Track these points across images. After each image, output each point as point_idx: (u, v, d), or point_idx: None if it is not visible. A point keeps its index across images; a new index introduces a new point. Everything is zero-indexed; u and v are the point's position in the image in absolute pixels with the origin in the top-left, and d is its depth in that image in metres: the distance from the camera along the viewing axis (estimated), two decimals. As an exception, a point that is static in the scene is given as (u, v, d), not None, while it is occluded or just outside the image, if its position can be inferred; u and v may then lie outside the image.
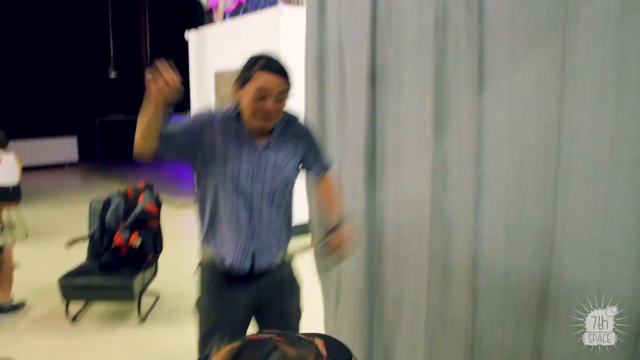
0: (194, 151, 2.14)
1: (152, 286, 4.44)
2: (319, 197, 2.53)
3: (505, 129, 2.28)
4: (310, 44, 3.11)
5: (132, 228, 4.15)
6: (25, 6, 12.10)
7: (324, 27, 3.06)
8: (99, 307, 4.39)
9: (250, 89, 2.06)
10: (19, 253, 4.55)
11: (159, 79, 1.91)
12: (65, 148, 12.83)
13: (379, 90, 2.78)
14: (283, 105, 2.11)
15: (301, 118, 2.39)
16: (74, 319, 4.13)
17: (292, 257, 2.39)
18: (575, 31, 1.97)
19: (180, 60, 8.26)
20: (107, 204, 4.34)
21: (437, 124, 2.52)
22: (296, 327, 2.41)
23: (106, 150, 13.14)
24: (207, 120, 2.16)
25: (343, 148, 3.05)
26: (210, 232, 2.26)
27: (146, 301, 4.35)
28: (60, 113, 12.84)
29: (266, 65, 2.08)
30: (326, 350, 1.02)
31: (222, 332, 2.27)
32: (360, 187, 2.90)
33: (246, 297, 2.27)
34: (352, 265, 3.01)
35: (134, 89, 14.39)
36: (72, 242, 4.24)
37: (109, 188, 9.71)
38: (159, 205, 4.40)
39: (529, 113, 2.19)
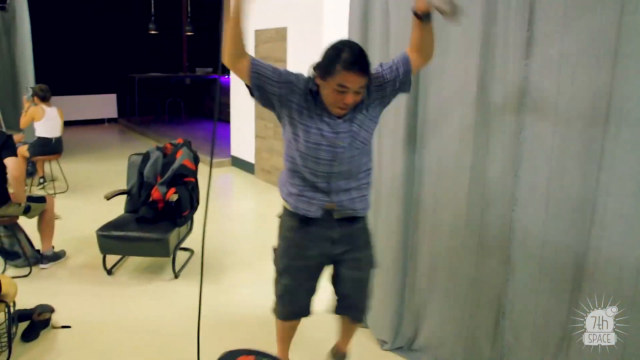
0: (276, 98, 2.24)
1: (187, 242, 4.55)
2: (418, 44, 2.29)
3: (552, 94, 2.23)
4: (354, 2, 3.07)
5: (169, 183, 4.24)
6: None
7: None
8: (134, 260, 4.53)
9: (332, 83, 2.11)
10: (59, 205, 4.70)
11: None
12: (104, 105, 13.08)
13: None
14: (362, 95, 2.18)
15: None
16: (111, 270, 4.28)
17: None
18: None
19: (220, 18, 8.24)
20: (145, 158, 4.43)
21: (482, 88, 2.49)
22: (367, 276, 2.52)
23: (145, 108, 13.32)
24: (294, 81, 2.23)
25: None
26: (291, 179, 2.38)
27: (180, 257, 4.47)
28: (100, 70, 13.06)
29: (349, 63, 2.07)
30: None
31: (293, 275, 2.46)
32: (400, 151, 2.90)
33: (320, 244, 2.40)
34: (387, 230, 3.03)
35: (174, 46, 14.50)
36: (110, 196, 4.35)
37: (147, 144, 9.92)
38: (196, 161, 4.48)
39: (578, 78, 2.14)
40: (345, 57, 2.07)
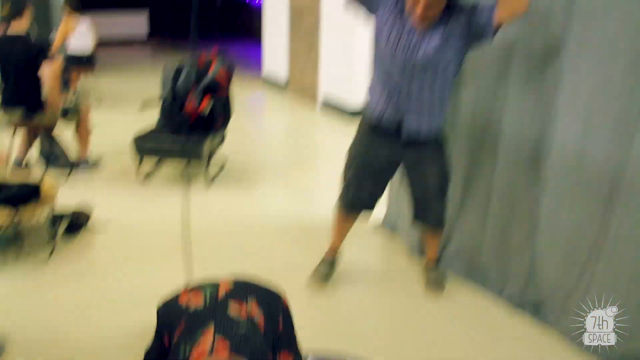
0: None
1: (219, 153, 4.63)
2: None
3: (599, 6, 2.16)
4: None
5: (203, 94, 4.27)
6: None
7: None
8: (167, 170, 4.65)
9: None
10: (94, 116, 4.79)
11: None
12: (135, 22, 13.02)
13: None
14: (433, 11, 2.29)
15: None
16: (145, 177, 4.41)
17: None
18: None
19: None
20: (179, 69, 4.45)
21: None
22: (438, 186, 2.68)
23: (177, 28, 13.23)
24: None
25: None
26: (372, 86, 2.62)
27: (212, 169, 4.57)
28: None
29: None
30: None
31: (359, 168, 2.70)
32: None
33: (389, 152, 2.64)
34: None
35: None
36: (145, 105, 4.43)
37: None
38: (230, 72, 4.47)
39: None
40: None
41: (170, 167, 4.67)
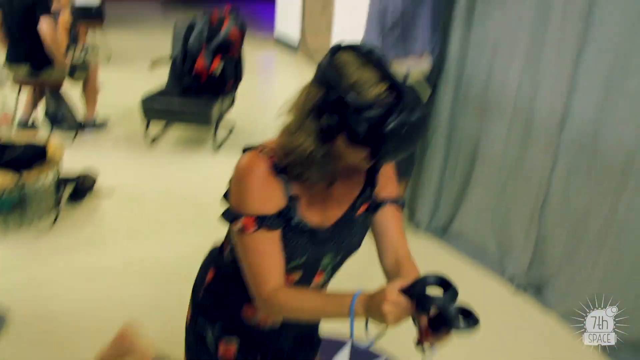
0: None
1: (228, 117, 4.58)
2: None
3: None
4: None
5: (214, 53, 4.19)
6: None
7: None
8: (176, 133, 4.63)
9: None
10: (103, 75, 4.74)
11: None
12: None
13: None
14: None
15: None
16: (153, 140, 4.38)
17: None
18: None
19: None
20: (191, 27, 4.37)
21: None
22: None
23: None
24: None
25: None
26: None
27: (221, 132, 4.53)
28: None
29: None
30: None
31: None
32: (457, 26, 2.75)
33: None
34: (434, 110, 2.97)
35: None
36: (155, 64, 4.36)
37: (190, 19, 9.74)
38: (242, 31, 4.37)
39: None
40: None
41: (179, 130, 4.63)
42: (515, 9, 2.52)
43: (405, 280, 1.11)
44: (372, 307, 1.11)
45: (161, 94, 4.21)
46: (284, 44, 8.22)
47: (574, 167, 2.42)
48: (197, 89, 4.19)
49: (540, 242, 2.63)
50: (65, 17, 6.45)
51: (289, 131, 1.21)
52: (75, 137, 4.36)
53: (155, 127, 4.44)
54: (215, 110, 4.15)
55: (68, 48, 6.46)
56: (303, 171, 1.22)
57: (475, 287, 2.76)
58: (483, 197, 2.89)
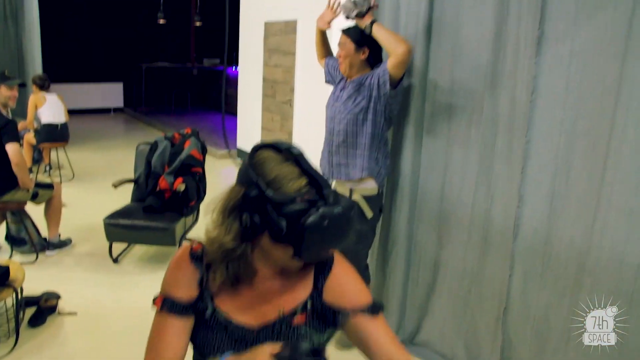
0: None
1: (193, 233, 4.62)
2: None
3: (560, 92, 2.29)
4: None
5: (177, 173, 4.31)
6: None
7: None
8: (140, 249, 4.62)
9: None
10: (65, 193, 4.77)
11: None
12: (111, 93, 13.16)
13: (434, 43, 2.79)
14: (349, 62, 2.86)
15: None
16: (117, 259, 4.36)
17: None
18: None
19: (231, 10, 8.32)
20: (153, 147, 4.50)
21: (492, 84, 2.54)
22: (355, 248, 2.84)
23: (151, 97, 13.40)
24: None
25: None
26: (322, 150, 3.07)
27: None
28: (107, 59, 13.15)
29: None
30: None
31: None
32: (406, 146, 2.96)
33: None
34: (392, 225, 3.09)
35: (182, 37, 14.55)
36: (118, 183, 4.44)
37: (153, 134, 9.99)
38: (204, 152, 4.55)
39: (586, 76, 2.20)
40: None
41: (143, 247, 4.62)
42: (463, 130, 2.73)
43: (276, 346, 1.07)
44: None
45: (124, 213, 4.24)
46: (245, 157, 8.41)
47: (530, 272, 2.52)
48: (161, 207, 4.24)
49: (506, 346, 2.67)
50: (29, 137, 6.57)
51: (213, 226, 1.22)
52: (37, 257, 4.30)
53: (120, 243, 4.43)
54: (179, 228, 4.18)
55: (31, 169, 6.52)
56: (216, 267, 1.22)
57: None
58: (448, 305, 2.94)
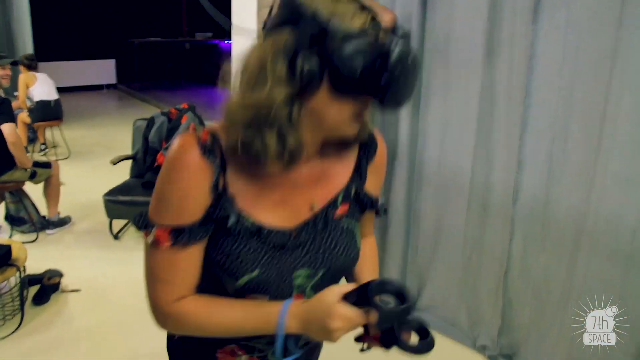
0: None
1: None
2: None
3: (557, 59, 2.30)
4: None
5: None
6: None
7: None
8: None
9: None
10: (63, 172, 4.76)
11: None
12: (103, 70, 13.06)
13: (430, 11, 2.78)
14: None
15: None
16: (117, 235, 4.39)
17: None
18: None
19: (226, 12, 8.20)
20: (150, 123, 4.49)
21: (489, 52, 2.55)
22: None
23: (144, 73, 13.31)
24: None
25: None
26: None
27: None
28: (98, 35, 13.02)
29: None
30: None
31: None
32: (404, 114, 2.96)
33: None
34: (391, 193, 3.12)
35: (173, 11, 14.39)
36: (117, 160, 4.44)
37: (147, 110, 9.95)
38: (202, 125, 4.52)
39: (583, 43, 2.21)
40: None
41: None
42: (460, 98, 2.74)
43: (347, 287, 0.90)
44: (312, 322, 0.90)
45: (123, 189, 4.26)
46: None
47: (529, 236, 2.58)
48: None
49: (507, 310, 2.73)
50: (23, 116, 6.54)
51: (242, 91, 0.89)
52: (37, 236, 4.33)
53: (120, 220, 4.46)
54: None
55: (26, 148, 6.50)
56: (258, 140, 0.89)
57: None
58: (449, 271, 2.99)
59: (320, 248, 1.01)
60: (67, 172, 5.56)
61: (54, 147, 7.03)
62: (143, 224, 0.98)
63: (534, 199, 2.50)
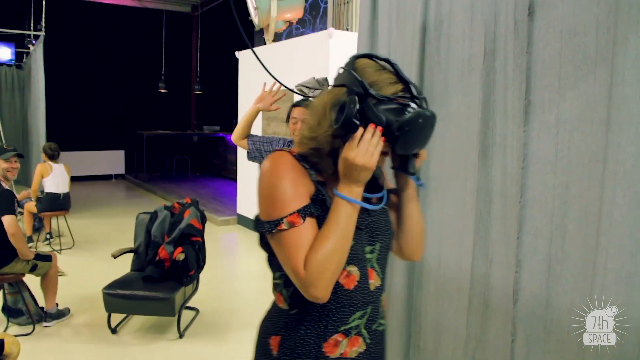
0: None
1: (193, 301, 4.59)
2: None
3: (550, 158, 2.33)
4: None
5: (176, 242, 4.32)
6: (80, 22, 12.73)
7: (374, 52, 3.18)
8: (139, 319, 4.57)
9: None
10: (65, 261, 4.77)
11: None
12: (113, 161, 13.37)
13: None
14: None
15: None
16: (115, 329, 4.31)
17: None
18: (622, 63, 2.04)
19: (230, 79, 8.55)
20: (154, 217, 4.53)
21: (483, 153, 2.60)
22: None
23: (152, 164, 13.56)
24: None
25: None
26: None
27: (185, 315, 4.50)
28: (109, 127, 13.42)
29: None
30: None
31: None
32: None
33: None
34: (391, 291, 3.09)
35: (182, 105, 14.88)
36: (118, 254, 4.44)
37: (153, 201, 10.07)
38: (203, 221, 4.58)
39: (574, 143, 2.25)
40: None
41: (142, 316, 4.58)
42: (457, 198, 2.76)
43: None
44: (350, 174, 1.25)
45: (123, 283, 4.23)
46: (246, 224, 8.43)
47: (532, 337, 2.49)
48: (160, 277, 4.23)
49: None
50: (30, 205, 6.63)
51: (310, 126, 1.33)
52: (34, 329, 4.26)
53: (118, 315, 4.40)
54: (179, 298, 4.16)
55: (31, 237, 6.54)
56: (321, 162, 1.33)
57: None
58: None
59: (373, 227, 1.42)
60: (69, 263, 5.56)
61: (59, 236, 7.06)
62: (272, 225, 1.28)
63: (535, 298, 2.46)
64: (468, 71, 2.67)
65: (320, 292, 1.27)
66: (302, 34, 8.70)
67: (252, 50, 2.80)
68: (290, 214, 1.26)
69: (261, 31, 9.14)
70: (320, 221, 1.30)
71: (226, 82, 8.33)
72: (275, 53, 7.36)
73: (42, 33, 9.06)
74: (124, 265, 4.64)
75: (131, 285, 4.19)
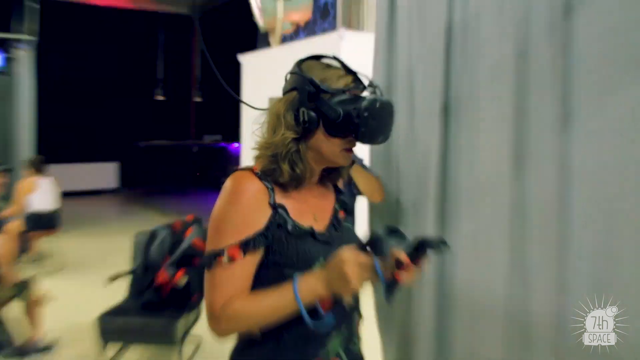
0: None
1: (195, 328, 4.52)
2: None
3: (595, 170, 2.26)
4: (377, 71, 3.19)
5: (178, 265, 4.26)
6: (74, 27, 12.78)
7: (394, 54, 3.14)
8: (136, 352, 4.50)
9: None
10: (55, 287, 4.72)
11: None
12: (105, 173, 13.33)
13: (453, 125, 2.81)
14: None
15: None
16: (109, 364, 4.25)
17: None
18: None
19: (233, 84, 8.51)
20: (152, 237, 4.47)
21: (517, 164, 2.53)
22: None
23: (149, 177, 13.56)
24: None
25: (411, 188, 3.08)
26: None
27: (187, 344, 4.43)
28: (101, 137, 13.41)
29: None
30: None
31: None
32: (429, 232, 2.91)
33: None
34: (418, 318, 3.01)
35: (181, 113, 14.89)
36: (114, 278, 4.38)
37: (151, 218, 10.02)
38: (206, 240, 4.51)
39: (623, 152, 2.17)
40: None
41: (139, 348, 4.53)
42: (489, 206, 2.70)
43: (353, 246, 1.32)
44: (330, 275, 1.27)
45: (119, 311, 4.17)
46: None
47: (547, 356, 2.44)
48: (160, 304, 4.18)
49: None
50: (13, 226, 6.59)
51: (266, 137, 1.43)
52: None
53: (113, 345, 4.33)
54: (180, 327, 4.09)
55: (16, 260, 6.49)
56: (278, 168, 1.40)
57: None
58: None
59: (341, 241, 1.49)
60: (59, 287, 5.51)
61: (48, 257, 7.01)
62: (212, 258, 1.39)
63: (582, 327, 2.38)
64: (498, 75, 2.61)
65: (222, 334, 1.46)
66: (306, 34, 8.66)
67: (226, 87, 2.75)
68: (230, 246, 1.36)
69: (266, 34, 9.16)
70: (276, 244, 1.40)
71: (230, 87, 8.32)
72: (281, 57, 7.33)
73: (33, 37, 9.05)
74: (119, 290, 4.59)
75: (128, 312, 4.13)
